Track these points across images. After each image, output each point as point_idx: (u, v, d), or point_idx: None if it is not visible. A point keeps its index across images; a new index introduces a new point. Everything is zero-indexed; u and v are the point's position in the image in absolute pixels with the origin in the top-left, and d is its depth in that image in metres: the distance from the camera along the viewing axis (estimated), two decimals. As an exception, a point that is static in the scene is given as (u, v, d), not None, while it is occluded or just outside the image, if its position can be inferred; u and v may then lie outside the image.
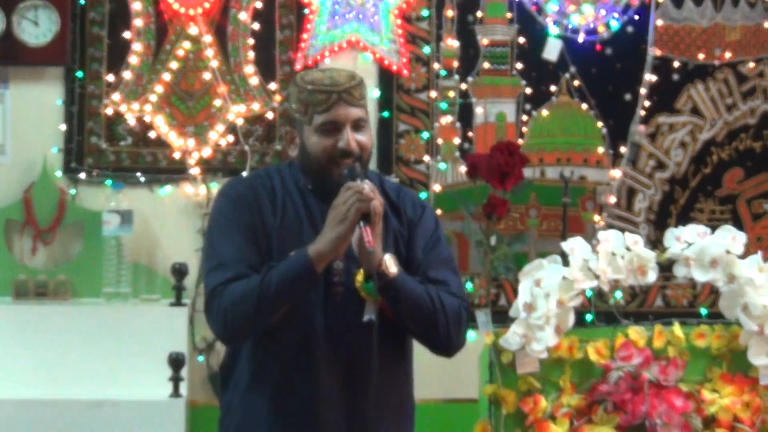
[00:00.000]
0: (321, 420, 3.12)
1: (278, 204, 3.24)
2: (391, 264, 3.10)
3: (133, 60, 4.90)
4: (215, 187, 4.84)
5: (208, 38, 4.90)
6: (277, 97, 4.95)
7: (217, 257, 3.22)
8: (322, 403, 3.12)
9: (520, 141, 5.02)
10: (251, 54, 4.94)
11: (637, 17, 5.10)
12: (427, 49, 5.03)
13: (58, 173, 4.86)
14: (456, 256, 4.87)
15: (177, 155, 4.91)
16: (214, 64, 4.91)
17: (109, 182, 4.86)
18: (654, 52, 5.11)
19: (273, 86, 4.96)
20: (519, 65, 5.07)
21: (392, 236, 3.20)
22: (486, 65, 5.06)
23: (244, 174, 4.78)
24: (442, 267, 3.28)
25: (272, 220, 3.22)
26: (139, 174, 4.89)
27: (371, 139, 3.23)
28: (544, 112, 5.10)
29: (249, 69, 4.94)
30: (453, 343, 3.30)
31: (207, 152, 4.92)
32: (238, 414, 3.28)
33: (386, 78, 5.00)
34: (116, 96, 4.89)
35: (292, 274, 3.09)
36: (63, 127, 4.86)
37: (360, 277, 3.15)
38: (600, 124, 5.11)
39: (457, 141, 5.04)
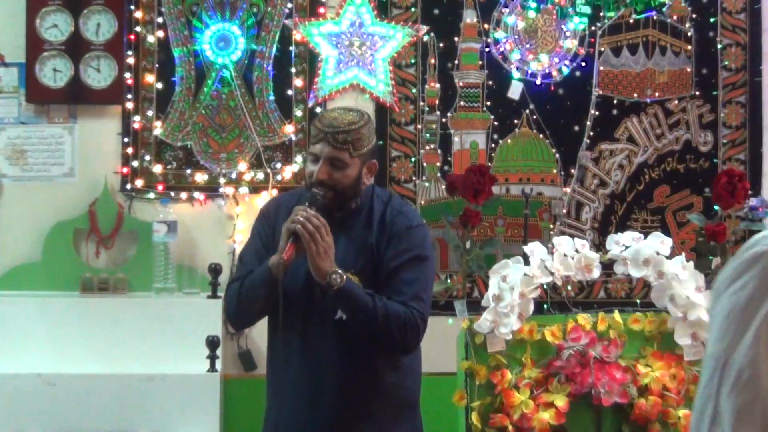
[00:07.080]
0: (313, 389, 3.09)
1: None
2: (336, 278, 2.96)
3: (177, 99, 4.89)
4: (243, 202, 4.88)
5: (237, 82, 4.89)
6: (292, 129, 4.92)
7: (239, 258, 3.31)
8: (303, 378, 3.09)
9: (490, 164, 5.00)
10: (272, 95, 4.92)
11: (583, 64, 5.08)
12: (414, 90, 5.00)
13: (117, 191, 4.84)
14: (437, 258, 4.84)
15: (212, 176, 4.89)
16: (242, 103, 4.89)
17: (157, 198, 4.83)
18: (597, 91, 5.09)
19: (289, 121, 4.93)
20: (488, 103, 5.04)
21: (369, 248, 3.11)
22: (462, 103, 5.03)
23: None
24: (405, 281, 3.10)
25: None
26: (182, 191, 4.87)
27: (350, 177, 3.08)
28: (509, 141, 5.07)
29: (270, 107, 4.92)
30: (398, 346, 3.11)
31: (236, 174, 4.90)
32: (268, 389, 3.26)
33: (381, 113, 4.96)
34: (163, 129, 4.87)
35: (256, 278, 3.07)
36: (120, 154, 4.85)
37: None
38: (554, 150, 5.08)
39: (438, 164, 5.01)
